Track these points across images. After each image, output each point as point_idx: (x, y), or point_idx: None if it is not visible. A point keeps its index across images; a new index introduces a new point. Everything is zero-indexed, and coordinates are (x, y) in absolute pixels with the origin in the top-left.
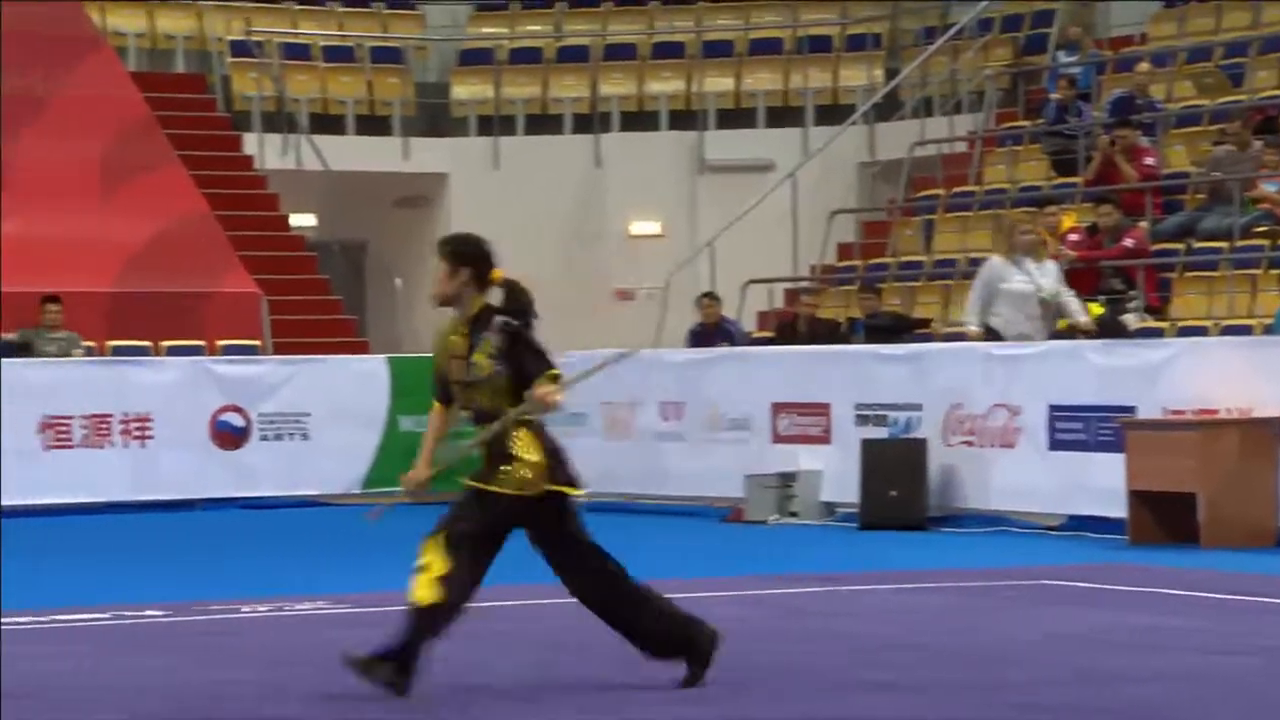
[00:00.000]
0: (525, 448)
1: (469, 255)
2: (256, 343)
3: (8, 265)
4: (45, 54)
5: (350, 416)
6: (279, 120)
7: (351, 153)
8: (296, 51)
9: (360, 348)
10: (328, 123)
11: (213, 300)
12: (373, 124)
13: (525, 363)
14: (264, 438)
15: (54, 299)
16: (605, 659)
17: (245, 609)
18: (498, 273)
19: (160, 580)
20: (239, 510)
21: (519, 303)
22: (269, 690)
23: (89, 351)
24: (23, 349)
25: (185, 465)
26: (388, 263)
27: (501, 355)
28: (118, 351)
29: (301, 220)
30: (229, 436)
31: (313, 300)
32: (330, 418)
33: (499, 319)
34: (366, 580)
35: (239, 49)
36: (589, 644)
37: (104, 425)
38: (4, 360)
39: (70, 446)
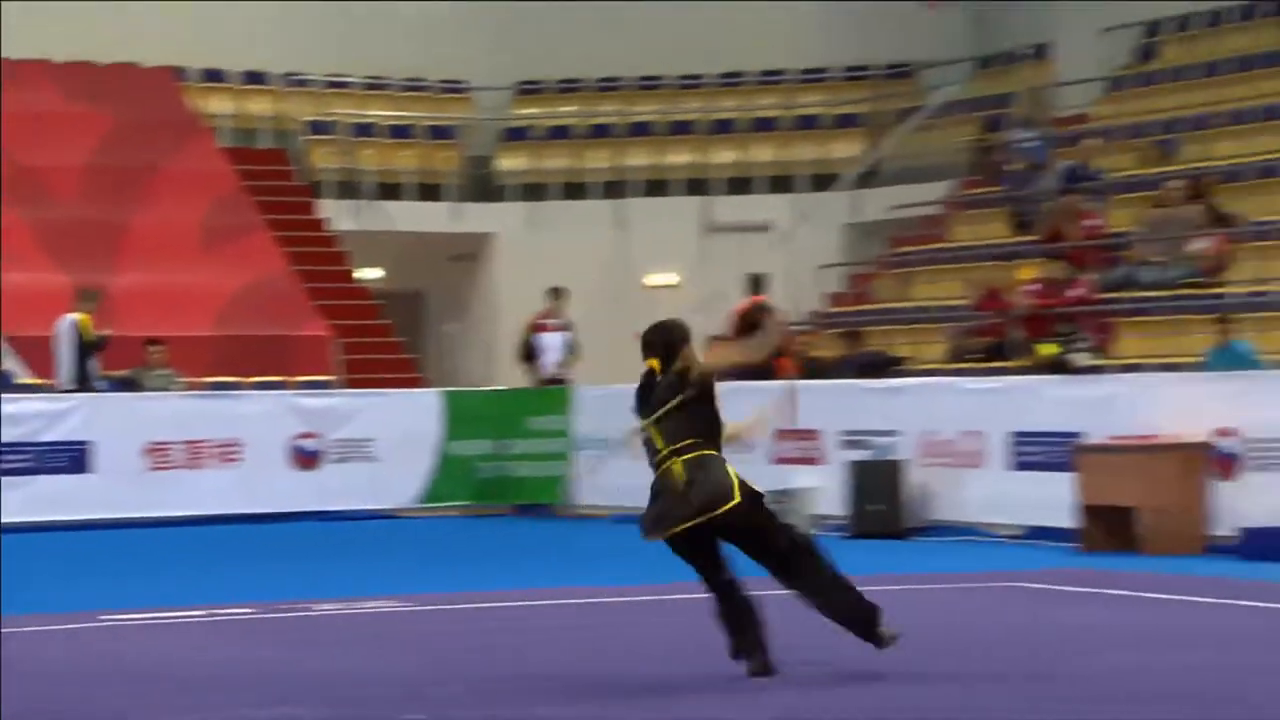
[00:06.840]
0: None
1: None
2: (331, 378)
3: (124, 313)
4: (154, 136)
5: (410, 442)
6: (349, 189)
7: (411, 216)
8: (364, 130)
9: (418, 383)
10: (391, 190)
11: (293, 342)
12: (429, 191)
13: None
14: (336, 460)
15: (157, 341)
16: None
17: (315, 608)
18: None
19: (249, 582)
20: (315, 522)
21: None
22: None
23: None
24: (131, 384)
25: (270, 483)
26: (442, 310)
27: None
28: (213, 386)
29: (368, 274)
30: (306, 459)
31: (378, 342)
32: (393, 443)
33: None
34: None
35: (316, 128)
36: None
37: (199, 449)
38: (116, 394)
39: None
